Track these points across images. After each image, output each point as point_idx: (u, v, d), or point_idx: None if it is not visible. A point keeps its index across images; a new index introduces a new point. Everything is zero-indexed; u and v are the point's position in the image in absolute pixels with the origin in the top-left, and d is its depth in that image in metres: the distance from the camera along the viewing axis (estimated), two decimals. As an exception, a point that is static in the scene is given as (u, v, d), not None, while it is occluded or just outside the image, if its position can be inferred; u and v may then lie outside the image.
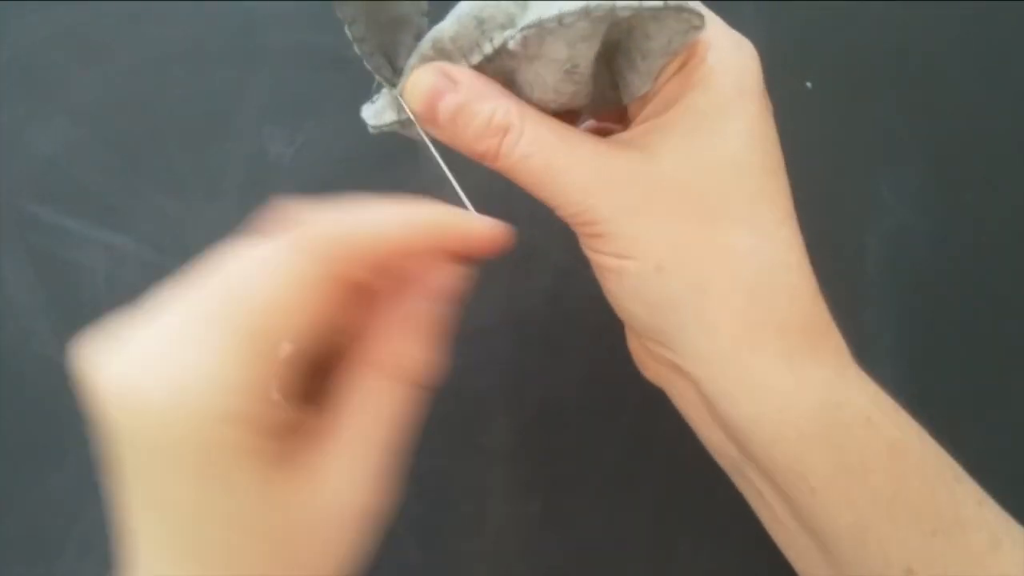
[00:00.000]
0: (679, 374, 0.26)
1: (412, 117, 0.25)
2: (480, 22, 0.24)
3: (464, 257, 0.23)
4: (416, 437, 0.38)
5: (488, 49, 0.24)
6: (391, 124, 0.25)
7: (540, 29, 0.22)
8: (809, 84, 0.40)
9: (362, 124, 0.27)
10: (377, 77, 0.25)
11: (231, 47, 0.40)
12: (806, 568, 0.27)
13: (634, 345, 0.29)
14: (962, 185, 0.39)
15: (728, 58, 0.25)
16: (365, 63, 0.25)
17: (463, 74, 0.24)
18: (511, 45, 0.23)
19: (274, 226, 0.20)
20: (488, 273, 0.39)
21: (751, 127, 0.24)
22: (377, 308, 0.23)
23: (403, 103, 0.25)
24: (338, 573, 0.23)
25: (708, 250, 0.24)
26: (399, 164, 0.39)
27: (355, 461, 0.22)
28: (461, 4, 0.25)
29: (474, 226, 0.22)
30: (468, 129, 0.24)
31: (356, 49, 0.24)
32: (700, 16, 0.23)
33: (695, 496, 0.37)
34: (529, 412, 0.38)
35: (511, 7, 0.23)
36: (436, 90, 0.24)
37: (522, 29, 0.22)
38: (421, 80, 0.24)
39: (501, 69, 0.24)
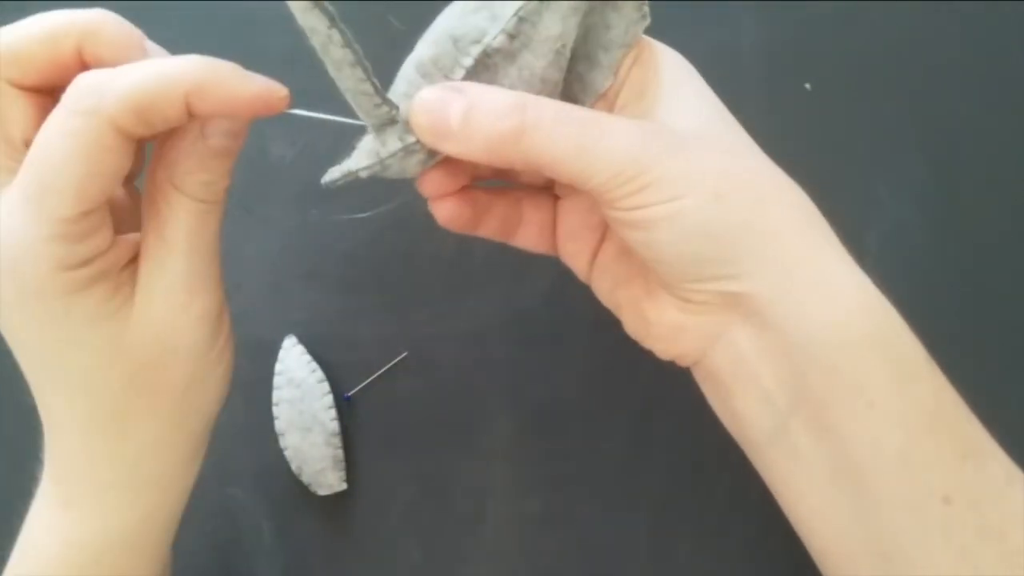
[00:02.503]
0: (731, 315, 0.26)
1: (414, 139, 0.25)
2: (455, 40, 0.25)
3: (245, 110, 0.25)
4: (417, 437, 0.38)
5: (468, 63, 0.25)
6: (392, 155, 0.25)
7: (539, 5, 0.24)
8: (808, 86, 0.40)
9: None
10: (366, 116, 0.25)
11: (231, 47, 0.39)
12: (829, 538, 0.27)
13: (656, 323, 0.28)
14: (961, 185, 0.39)
15: (664, 48, 0.28)
16: (357, 106, 0.25)
17: (461, 82, 0.25)
18: (497, 42, 0.24)
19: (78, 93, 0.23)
20: (488, 273, 0.39)
21: (709, 91, 0.27)
22: (167, 138, 0.25)
23: (404, 128, 0.25)
24: (197, 370, 0.27)
25: (750, 173, 0.26)
26: (400, 165, 0.39)
27: (167, 269, 0.26)
28: (433, 28, 0.26)
29: (247, 87, 0.25)
30: (484, 120, 0.24)
31: (351, 95, 0.25)
32: (646, 5, 0.26)
33: (695, 496, 0.37)
34: (529, 412, 0.38)
35: (480, 22, 0.25)
36: (444, 100, 0.24)
37: (516, 12, 0.24)
38: (426, 97, 0.24)
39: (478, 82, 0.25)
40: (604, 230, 0.30)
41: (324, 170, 0.41)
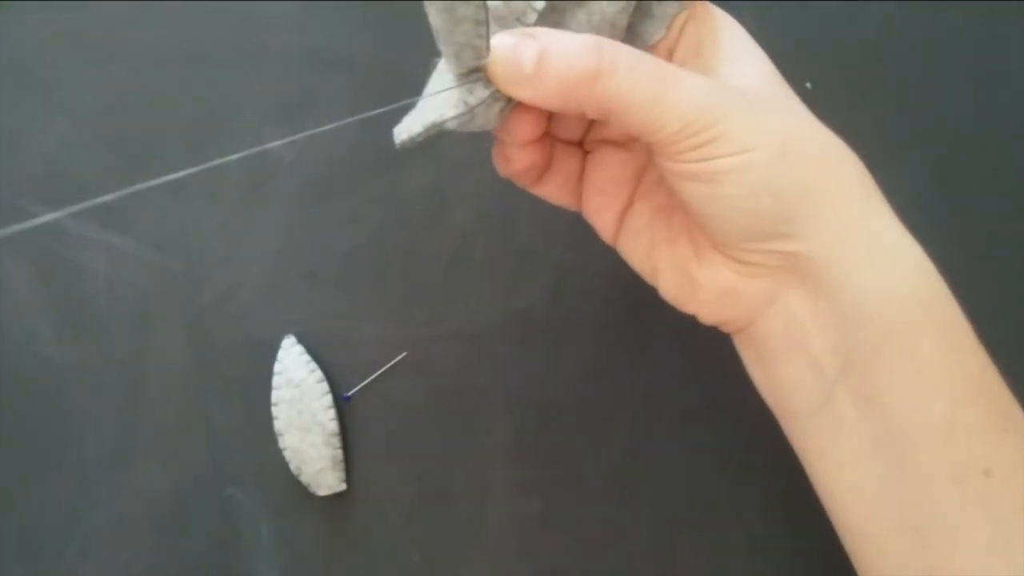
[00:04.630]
0: (786, 277, 0.26)
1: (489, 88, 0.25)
2: None
3: None
4: (417, 437, 0.38)
5: (540, 5, 0.25)
6: (481, 102, 0.25)
7: None
8: (809, 85, 0.40)
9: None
10: (460, 67, 0.25)
11: (232, 47, 0.40)
12: (864, 512, 0.26)
13: (706, 286, 0.28)
14: (962, 185, 0.39)
15: (720, 10, 0.28)
16: (457, 58, 0.25)
17: (534, 28, 0.25)
18: None
19: None
20: (488, 273, 0.39)
21: (764, 55, 0.28)
22: None
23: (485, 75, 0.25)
24: None
25: (812, 132, 0.26)
26: (398, 165, 0.39)
27: None
28: None
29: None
30: (559, 62, 0.24)
31: (455, 48, 0.24)
32: None
33: (695, 496, 0.37)
34: (529, 412, 0.38)
35: None
36: (517, 45, 0.24)
37: None
38: (501, 43, 0.24)
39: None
40: (634, 188, 0.30)
41: (323, 169, 0.41)
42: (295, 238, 0.39)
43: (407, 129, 0.26)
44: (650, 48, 0.27)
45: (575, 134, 0.31)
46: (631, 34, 0.27)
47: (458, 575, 0.37)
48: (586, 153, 0.31)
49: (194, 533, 0.37)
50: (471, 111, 0.25)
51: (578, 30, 0.25)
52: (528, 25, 0.25)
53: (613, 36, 0.26)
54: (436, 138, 0.26)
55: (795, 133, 0.25)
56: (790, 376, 0.27)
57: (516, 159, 0.28)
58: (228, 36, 0.40)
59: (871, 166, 0.40)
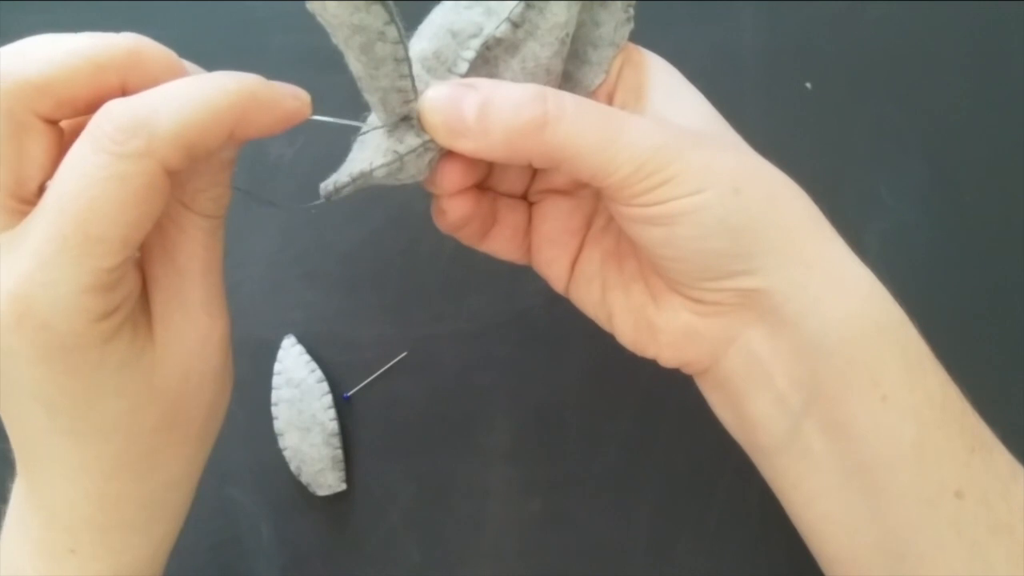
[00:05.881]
0: (745, 315, 0.26)
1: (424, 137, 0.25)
2: (454, 34, 0.25)
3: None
4: (417, 437, 0.38)
5: (469, 55, 0.24)
6: (412, 151, 0.25)
7: None
8: (809, 85, 0.40)
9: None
10: (388, 115, 0.24)
11: (231, 47, 0.40)
12: (841, 541, 0.26)
13: (665, 329, 0.28)
14: (961, 185, 0.39)
15: (651, 53, 0.28)
16: (383, 103, 0.24)
17: (471, 78, 0.24)
18: (500, 31, 0.24)
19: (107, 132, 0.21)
20: (488, 273, 0.39)
21: (700, 94, 0.27)
22: None
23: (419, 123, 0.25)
24: (218, 395, 0.26)
25: (760, 168, 0.26)
26: (399, 164, 0.39)
27: (185, 297, 0.24)
28: (427, 24, 0.26)
29: (283, 107, 0.24)
30: (503, 113, 0.23)
31: (380, 93, 0.24)
32: (632, 7, 0.26)
33: (695, 496, 0.37)
34: (529, 412, 0.38)
35: (476, 17, 0.24)
36: (456, 96, 0.24)
37: None
38: (436, 94, 0.24)
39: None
40: (584, 234, 0.29)
41: (323, 169, 0.41)
42: (295, 238, 0.39)
43: (334, 181, 0.25)
44: (591, 94, 0.27)
45: (518, 186, 0.30)
46: (570, 82, 0.27)
47: (458, 575, 0.37)
48: (531, 205, 0.30)
49: (194, 532, 0.37)
50: (401, 160, 0.24)
51: (513, 79, 0.25)
52: (461, 75, 0.24)
53: (549, 82, 0.25)
54: (365, 188, 0.25)
55: (745, 170, 0.25)
56: (756, 413, 0.27)
57: (449, 210, 0.27)
58: (227, 35, 0.40)
59: (871, 166, 0.40)
